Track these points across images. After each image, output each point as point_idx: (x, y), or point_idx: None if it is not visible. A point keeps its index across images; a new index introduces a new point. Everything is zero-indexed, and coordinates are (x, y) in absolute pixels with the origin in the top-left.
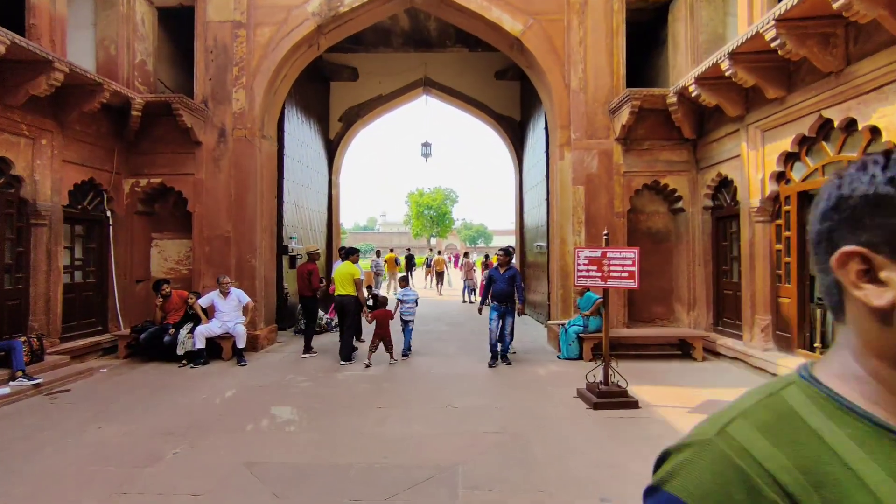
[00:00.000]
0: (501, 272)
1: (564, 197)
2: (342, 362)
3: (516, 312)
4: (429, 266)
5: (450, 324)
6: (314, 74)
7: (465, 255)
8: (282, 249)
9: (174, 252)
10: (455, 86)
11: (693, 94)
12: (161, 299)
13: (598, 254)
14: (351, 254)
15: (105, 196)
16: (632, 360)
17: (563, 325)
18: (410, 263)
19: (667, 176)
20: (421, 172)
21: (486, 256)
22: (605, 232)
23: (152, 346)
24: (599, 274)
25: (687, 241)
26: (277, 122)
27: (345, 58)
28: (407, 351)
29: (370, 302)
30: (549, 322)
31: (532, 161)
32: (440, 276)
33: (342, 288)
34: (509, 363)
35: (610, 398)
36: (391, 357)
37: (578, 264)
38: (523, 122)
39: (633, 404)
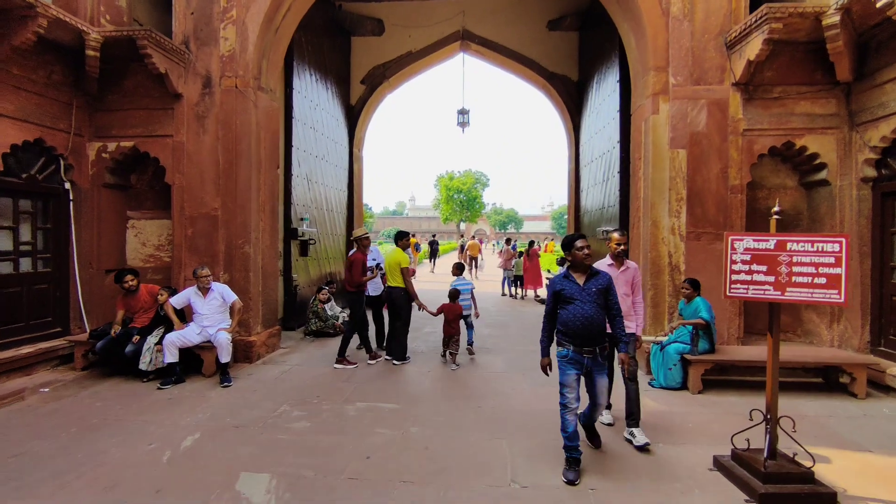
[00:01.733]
0: (582, 282)
1: (658, 165)
2: (396, 362)
3: (626, 355)
4: (462, 251)
5: (491, 325)
6: (332, 27)
7: (507, 241)
8: (290, 233)
9: (154, 235)
10: (498, 39)
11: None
12: (124, 294)
13: (771, 244)
14: (400, 238)
15: (62, 163)
16: (748, 391)
17: (659, 342)
18: (434, 251)
19: (804, 135)
20: (454, 148)
21: (531, 244)
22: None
23: (112, 357)
24: (772, 279)
25: (830, 226)
26: (283, 74)
27: (368, 7)
28: (470, 345)
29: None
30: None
31: (593, 128)
32: (474, 261)
33: (391, 278)
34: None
35: (787, 483)
36: (453, 361)
37: (733, 261)
38: (582, 82)
39: (829, 499)
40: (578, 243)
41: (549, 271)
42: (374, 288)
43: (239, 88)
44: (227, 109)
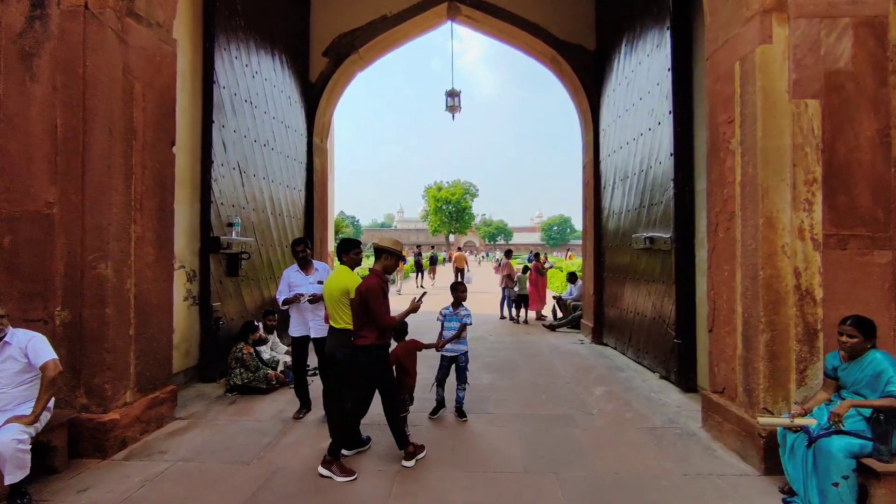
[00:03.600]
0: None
1: (771, 127)
2: (345, 451)
3: None
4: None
5: (492, 367)
6: None
7: (507, 253)
8: (209, 244)
9: None
10: (495, 0)
11: None
12: None
13: None
14: (347, 250)
15: None
16: None
17: (799, 428)
18: (420, 265)
19: None
20: (444, 154)
21: (536, 256)
22: None
23: None
24: None
25: None
26: (200, 22)
27: None
28: (459, 406)
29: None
30: (732, 409)
31: (621, 105)
32: (460, 272)
33: (335, 316)
34: None
35: None
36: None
37: None
38: (602, 51)
39: None
40: None
41: (558, 296)
42: (317, 327)
43: (92, 10)
44: (70, 44)
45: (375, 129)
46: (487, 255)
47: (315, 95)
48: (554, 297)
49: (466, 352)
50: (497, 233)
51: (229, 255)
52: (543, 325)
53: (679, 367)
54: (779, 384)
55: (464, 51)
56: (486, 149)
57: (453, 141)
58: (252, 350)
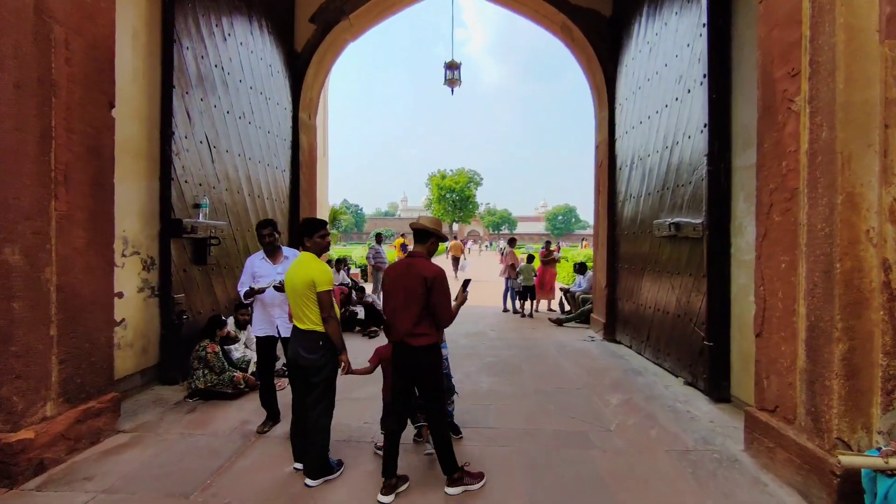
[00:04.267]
0: None
1: (855, 77)
2: (309, 482)
3: None
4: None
5: (492, 368)
6: None
7: (511, 241)
8: (171, 227)
9: None
10: None
11: None
12: None
13: None
14: (311, 232)
15: None
16: None
17: (891, 470)
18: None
19: None
20: (448, 143)
21: (547, 244)
22: None
23: None
24: None
25: None
26: None
27: None
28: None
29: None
30: (790, 434)
31: (642, 74)
32: (456, 261)
33: (298, 315)
34: None
35: None
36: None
37: None
38: (619, 17)
39: None
40: None
41: (565, 288)
42: (285, 325)
43: None
44: None
45: (380, 117)
46: (490, 245)
47: (301, 66)
48: (561, 290)
49: (446, 356)
50: (501, 222)
51: (196, 240)
52: (550, 320)
53: (709, 373)
54: (857, 408)
55: (468, 38)
56: (491, 138)
57: (458, 130)
58: (218, 349)
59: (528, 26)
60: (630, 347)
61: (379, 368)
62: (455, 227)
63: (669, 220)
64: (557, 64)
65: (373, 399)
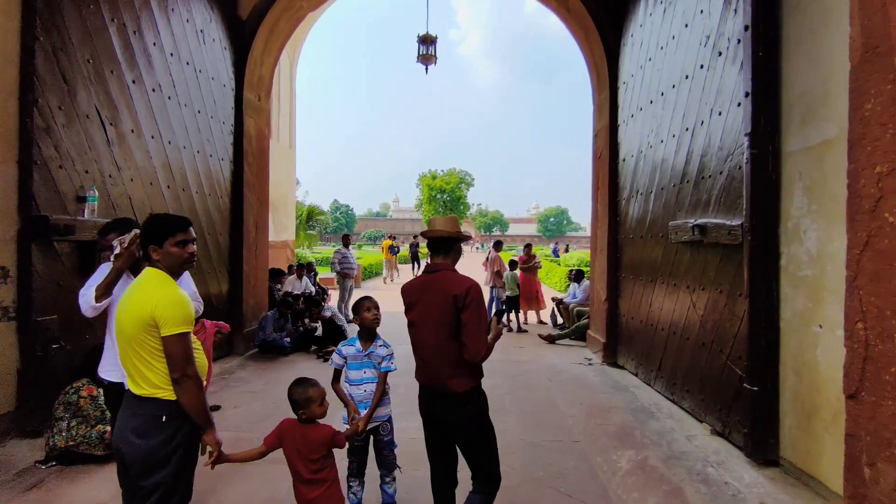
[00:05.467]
0: None
1: None
2: None
3: None
4: (392, 252)
5: None
6: None
7: (496, 245)
8: (34, 226)
9: None
10: None
11: None
12: None
13: None
14: (160, 237)
15: None
16: None
17: None
18: (416, 256)
19: None
20: (440, 143)
21: (528, 247)
22: None
23: None
24: None
25: None
26: None
27: None
28: None
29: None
30: None
31: (652, 45)
32: None
33: (130, 372)
34: None
35: None
36: None
37: None
38: None
39: None
40: None
41: (558, 298)
42: (114, 367)
43: None
44: None
45: (370, 117)
46: (482, 246)
47: (246, 37)
48: (554, 300)
49: (390, 416)
50: (493, 223)
51: (79, 243)
52: (540, 336)
53: (750, 426)
54: None
55: (462, 39)
56: (483, 138)
57: (451, 130)
58: (97, 392)
59: (522, 26)
60: (636, 375)
61: (280, 452)
62: None
63: (692, 221)
64: (551, 65)
65: None
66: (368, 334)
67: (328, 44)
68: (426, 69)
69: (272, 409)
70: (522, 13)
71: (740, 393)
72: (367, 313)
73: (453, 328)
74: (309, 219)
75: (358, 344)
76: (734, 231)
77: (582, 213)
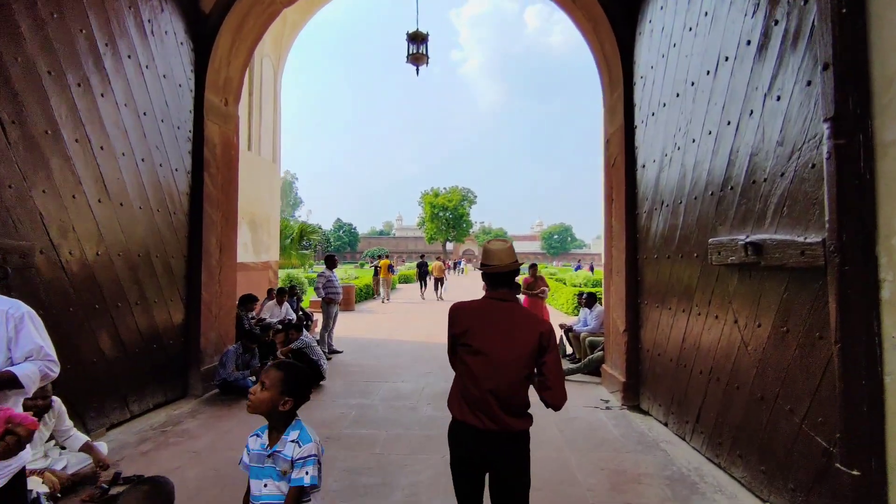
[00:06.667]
0: None
1: None
2: None
3: None
4: (375, 273)
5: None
6: None
7: None
8: None
9: None
10: None
11: None
12: None
13: None
14: None
15: None
16: None
17: None
18: (423, 275)
19: None
20: (442, 161)
21: (533, 267)
22: None
23: None
24: None
25: None
26: None
27: None
28: None
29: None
30: None
31: (677, 27)
32: (439, 282)
33: None
34: None
35: None
36: None
37: None
38: None
39: None
40: None
41: (567, 326)
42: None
43: None
44: None
45: (373, 136)
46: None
47: (209, 33)
48: (562, 327)
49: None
50: None
51: None
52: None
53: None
54: None
55: (464, 59)
56: (486, 156)
57: (452, 148)
58: None
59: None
60: (666, 425)
61: None
62: (449, 246)
63: (742, 237)
64: (552, 84)
65: None
66: (278, 419)
67: (332, 63)
68: (417, 70)
69: (211, 479)
70: (524, 34)
71: (828, 473)
72: (260, 393)
73: (529, 366)
74: (302, 237)
75: (265, 435)
76: (811, 250)
77: (586, 230)
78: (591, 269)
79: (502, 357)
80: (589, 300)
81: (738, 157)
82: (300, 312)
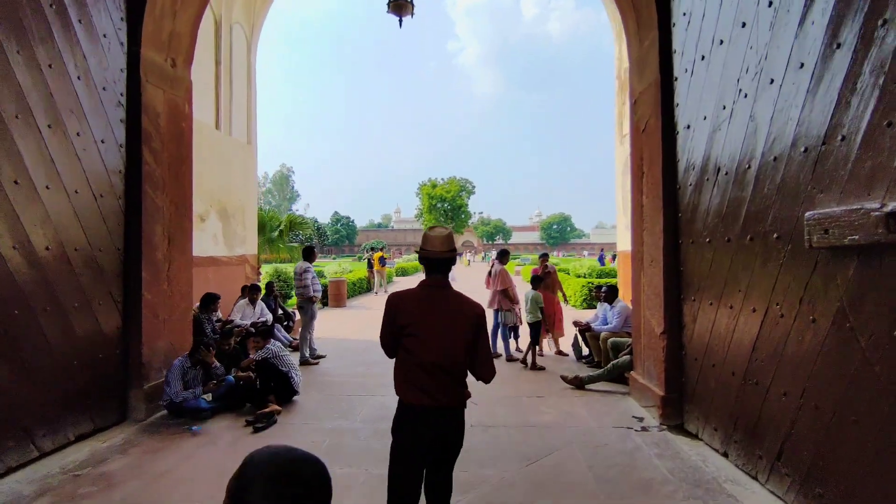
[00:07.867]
0: None
1: None
2: None
3: None
4: (370, 266)
5: None
6: None
7: (501, 255)
8: None
9: None
10: None
11: None
12: None
13: None
14: None
15: None
16: None
17: None
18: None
19: None
20: (441, 150)
21: (544, 257)
22: None
23: None
24: None
25: None
26: None
27: None
28: None
29: None
30: None
31: None
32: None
33: None
34: None
35: None
36: None
37: None
38: None
39: None
40: None
41: (583, 324)
42: None
43: None
44: None
45: (371, 130)
46: (486, 257)
47: None
48: (576, 325)
49: None
50: (495, 232)
51: None
52: (564, 380)
53: None
54: None
55: (461, 49)
56: (483, 146)
57: (450, 139)
58: None
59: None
60: (726, 455)
61: None
62: None
63: (876, 206)
64: (550, 74)
65: None
66: None
67: (327, 56)
68: (400, 21)
69: None
70: (521, 21)
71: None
72: None
73: (469, 348)
74: (291, 229)
75: None
76: None
77: (584, 219)
78: (613, 258)
79: (446, 340)
80: (609, 294)
81: (855, 93)
82: (280, 312)
